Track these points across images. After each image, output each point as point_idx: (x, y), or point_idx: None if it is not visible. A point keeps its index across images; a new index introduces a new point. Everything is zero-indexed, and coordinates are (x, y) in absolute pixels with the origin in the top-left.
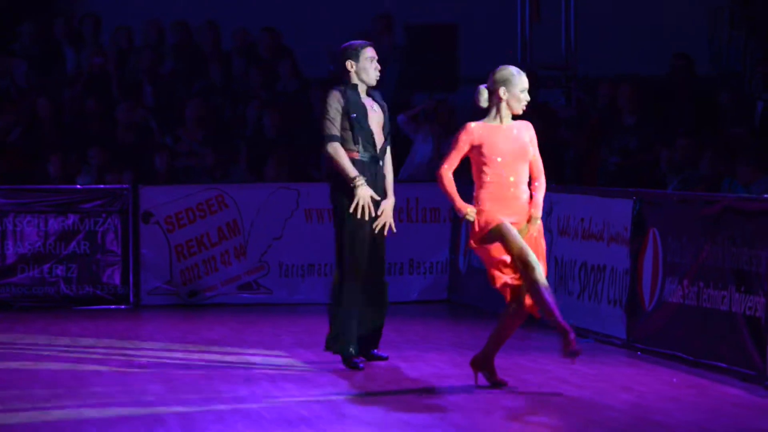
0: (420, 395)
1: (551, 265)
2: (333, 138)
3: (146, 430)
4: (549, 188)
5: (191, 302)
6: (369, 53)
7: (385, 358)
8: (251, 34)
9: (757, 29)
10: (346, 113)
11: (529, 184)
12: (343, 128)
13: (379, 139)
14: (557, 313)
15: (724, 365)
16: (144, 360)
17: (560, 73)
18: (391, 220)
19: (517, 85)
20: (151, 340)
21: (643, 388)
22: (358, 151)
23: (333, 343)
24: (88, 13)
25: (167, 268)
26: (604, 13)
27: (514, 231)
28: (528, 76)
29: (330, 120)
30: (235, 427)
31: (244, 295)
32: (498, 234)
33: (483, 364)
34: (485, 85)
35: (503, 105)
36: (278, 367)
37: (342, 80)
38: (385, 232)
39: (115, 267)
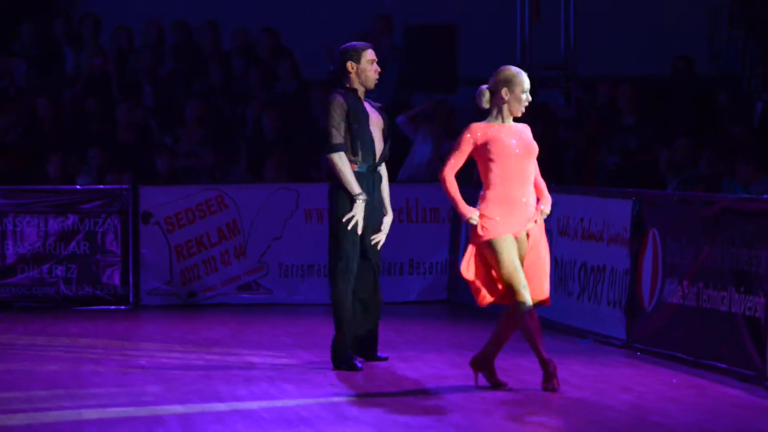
0: (419, 396)
1: (551, 265)
2: (338, 147)
3: (146, 431)
4: (548, 189)
5: (191, 302)
6: (370, 55)
7: (385, 359)
8: (251, 34)
9: (756, 29)
10: (348, 121)
11: None
12: (343, 137)
13: (379, 146)
14: (539, 342)
15: (723, 366)
16: (143, 360)
17: (560, 73)
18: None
19: (519, 86)
20: (151, 340)
21: (643, 388)
22: (357, 162)
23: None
24: (87, 14)
25: (167, 269)
26: (603, 13)
27: (510, 250)
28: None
29: (335, 128)
30: (234, 428)
31: (244, 295)
32: (494, 249)
33: (483, 364)
34: (486, 85)
35: (505, 106)
36: (278, 367)
37: (341, 81)
38: (379, 248)
39: (114, 267)
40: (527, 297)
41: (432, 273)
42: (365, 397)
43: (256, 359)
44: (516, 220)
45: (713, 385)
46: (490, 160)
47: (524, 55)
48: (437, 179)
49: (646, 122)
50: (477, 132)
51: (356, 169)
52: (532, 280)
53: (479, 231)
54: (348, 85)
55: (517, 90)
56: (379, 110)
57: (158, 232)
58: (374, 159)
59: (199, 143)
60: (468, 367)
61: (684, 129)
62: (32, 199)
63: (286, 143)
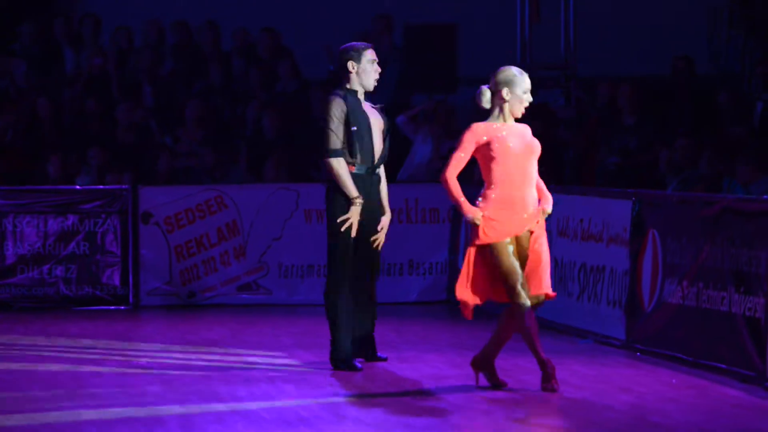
0: (419, 396)
1: (551, 265)
2: (336, 153)
3: (145, 431)
4: (548, 189)
5: (190, 303)
6: (370, 56)
7: (384, 359)
8: (251, 34)
9: (756, 29)
10: (347, 124)
11: None
12: (342, 140)
13: (378, 147)
14: (538, 343)
15: (723, 366)
16: (143, 361)
17: (560, 73)
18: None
19: (519, 86)
20: (151, 340)
21: (643, 388)
22: (355, 165)
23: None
24: (87, 14)
25: (167, 269)
26: (603, 13)
27: (510, 253)
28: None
29: (333, 132)
30: (234, 428)
31: (244, 295)
32: (495, 252)
33: (483, 364)
34: (487, 86)
35: (506, 106)
36: (277, 367)
37: (340, 82)
38: (379, 248)
39: (114, 268)
40: (526, 298)
41: (432, 273)
42: (365, 398)
43: (255, 359)
44: (517, 220)
45: (713, 386)
46: (492, 159)
47: (524, 55)
48: (437, 179)
49: (646, 122)
50: (479, 131)
51: (355, 171)
52: (534, 276)
53: (481, 234)
54: (348, 86)
55: (518, 90)
56: (379, 111)
57: (158, 233)
58: (373, 161)
59: (199, 143)
60: (468, 367)
61: (684, 129)
62: (32, 199)
63: (286, 143)
